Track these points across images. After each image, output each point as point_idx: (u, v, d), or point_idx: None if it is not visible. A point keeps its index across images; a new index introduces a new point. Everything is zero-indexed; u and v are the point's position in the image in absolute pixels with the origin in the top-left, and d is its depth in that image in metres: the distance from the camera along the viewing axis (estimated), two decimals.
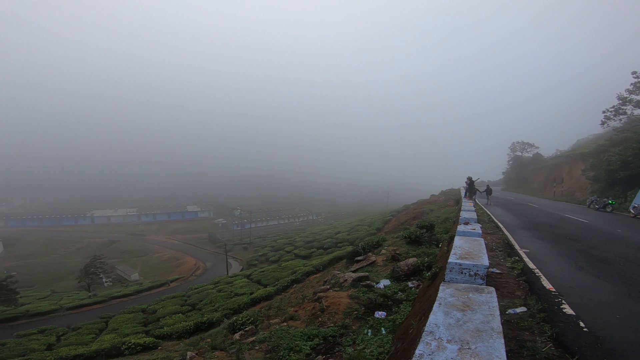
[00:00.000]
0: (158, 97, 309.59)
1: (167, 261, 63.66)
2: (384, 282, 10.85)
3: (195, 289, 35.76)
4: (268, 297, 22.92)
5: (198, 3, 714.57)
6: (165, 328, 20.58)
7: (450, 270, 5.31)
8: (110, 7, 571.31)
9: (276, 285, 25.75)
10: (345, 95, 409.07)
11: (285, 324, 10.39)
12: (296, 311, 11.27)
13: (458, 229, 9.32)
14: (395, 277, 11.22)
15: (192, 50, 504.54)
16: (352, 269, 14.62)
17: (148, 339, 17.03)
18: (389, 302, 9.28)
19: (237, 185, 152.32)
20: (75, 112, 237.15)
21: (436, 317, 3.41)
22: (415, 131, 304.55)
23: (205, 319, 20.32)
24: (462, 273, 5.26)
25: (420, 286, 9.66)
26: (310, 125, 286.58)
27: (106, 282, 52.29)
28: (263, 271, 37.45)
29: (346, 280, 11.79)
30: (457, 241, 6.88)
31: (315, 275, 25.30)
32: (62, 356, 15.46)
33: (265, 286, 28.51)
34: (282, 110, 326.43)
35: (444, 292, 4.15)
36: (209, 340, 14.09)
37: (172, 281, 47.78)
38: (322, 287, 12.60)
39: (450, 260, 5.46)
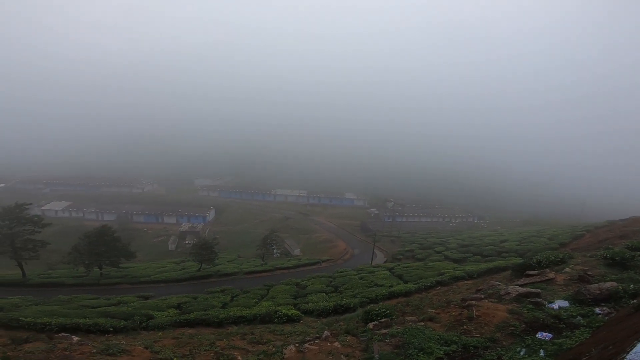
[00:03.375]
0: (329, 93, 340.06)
1: (323, 242, 70.34)
2: (559, 303, 9.93)
3: (341, 272, 37.80)
4: (407, 293, 22.50)
5: None
6: (310, 304, 22.43)
7: None
8: None
9: (418, 283, 25.04)
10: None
11: (422, 323, 10.31)
12: (438, 314, 11.11)
13: None
14: (578, 300, 10.07)
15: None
16: (519, 282, 13.58)
17: (294, 312, 18.91)
18: (560, 325, 8.44)
19: (395, 177, 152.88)
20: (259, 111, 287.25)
21: None
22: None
23: (343, 302, 21.13)
24: None
25: (613, 314, 8.69)
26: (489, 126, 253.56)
27: (276, 253, 61.61)
28: (407, 267, 36.84)
29: (509, 293, 11.26)
30: None
31: (465, 282, 23.88)
32: (230, 315, 18.66)
33: (406, 282, 28.00)
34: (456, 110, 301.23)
35: None
36: (342, 323, 14.58)
37: (323, 261, 52.27)
38: (475, 295, 12.28)
39: None
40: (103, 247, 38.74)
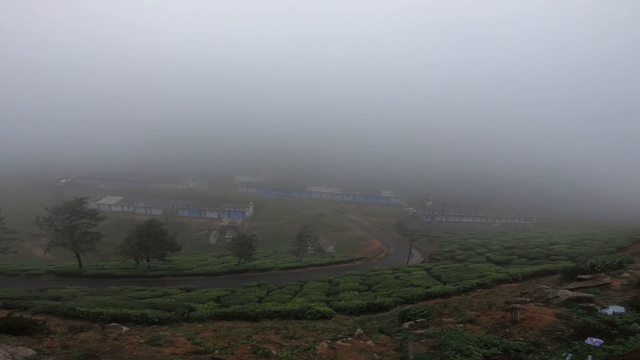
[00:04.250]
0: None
1: (357, 240, 69.89)
2: (614, 309, 9.53)
3: (375, 271, 37.36)
4: (445, 294, 21.90)
5: None
6: (342, 302, 22.25)
7: None
8: None
9: (457, 285, 24.19)
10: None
11: (461, 325, 10.13)
12: (478, 316, 10.85)
13: None
14: (635, 306, 9.70)
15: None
16: (569, 286, 13.12)
17: (327, 309, 18.90)
18: (613, 331, 8.12)
19: (435, 176, 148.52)
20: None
21: None
22: None
23: (377, 301, 20.86)
24: None
25: None
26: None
27: (310, 250, 62.32)
28: (445, 268, 35.73)
29: (557, 297, 10.86)
30: None
31: (509, 285, 22.87)
32: (265, 310, 19.04)
33: (445, 283, 27.23)
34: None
35: None
36: (375, 322, 14.38)
37: (357, 259, 51.95)
38: (519, 299, 11.92)
39: None
40: (151, 240, 40.80)
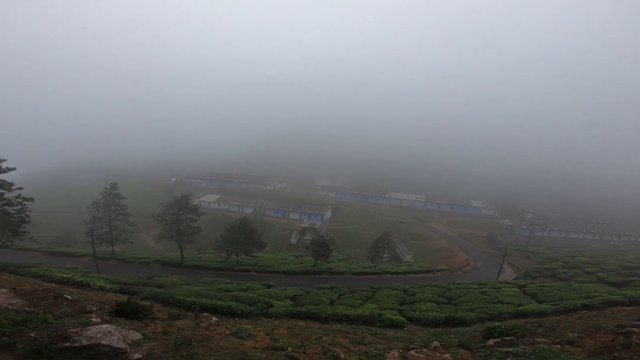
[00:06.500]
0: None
1: (439, 250, 65.80)
2: None
3: (458, 284, 35.34)
4: (540, 314, 20.38)
5: None
6: (417, 312, 21.50)
7: None
8: None
9: (556, 304, 22.13)
10: None
11: (557, 346, 9.28)
12: (581, 338, 9.98)
13: None
14: None
15: None
16: None
17: (399, 318, 18.48)
18: None
19: (537, 186, 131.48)
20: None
21: None
22: None
23: (458, 315, 19.85)
24: None
25: None
26: None
27: (386, 257, 60.89)
28: (543, 286, 32.50)
29: None
30: None
31: (625, 308, 20.73)
32: (336, 313, 19.47)
33: (541, 302, 24.85)
34: None
35: None
36: (453, 336, 13.40)
37: (438, 270, 49.17)
38: (637, 322, 10.66)
39: None
40: (242, 236, 44.43)
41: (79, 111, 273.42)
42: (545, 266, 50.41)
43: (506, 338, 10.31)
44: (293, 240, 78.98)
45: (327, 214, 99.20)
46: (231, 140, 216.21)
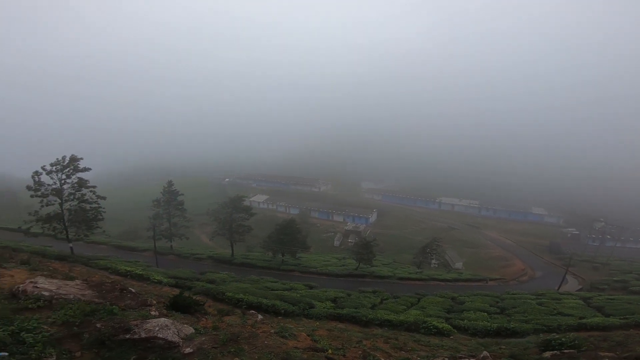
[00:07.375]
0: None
1: (494, 259, 61.83)
2: None
3: (513, 294, 33.34)
4: (606, 328, 18.95)
5: None
6: (465, 321, 20.50)
7: None
8: None
9: (626, 318, 20.47)
10: None
11: None
12: None
13: None
14: None
15: None
16: None
17: (445, 326, 17.70)
18: None
19: (602, 193, 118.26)
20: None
21: None
22: None
23: (511, 325, 18.76)
24: None
25: None
26: None
27: (434, 263, 58.57)
28: (612, 299, 30.08)
29: None
30: None
31: None
32: (377, 317, 19.10)
33: (607, 316, 22.93)
34: None
35: None
36: (504, 347, 12.54)
37: (491, 279, 46.45)
38: None
39: None
40: (288, 237, 45.47)
41: (153, 119, 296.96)
42: (615, 278, 46.33)
43: (565, 351, 9.63)
44: (336, 243, 79.18)
45: (372, 217, 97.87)
46: (280, 142, 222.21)
